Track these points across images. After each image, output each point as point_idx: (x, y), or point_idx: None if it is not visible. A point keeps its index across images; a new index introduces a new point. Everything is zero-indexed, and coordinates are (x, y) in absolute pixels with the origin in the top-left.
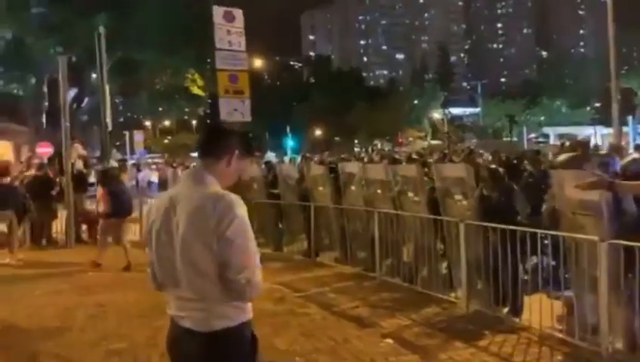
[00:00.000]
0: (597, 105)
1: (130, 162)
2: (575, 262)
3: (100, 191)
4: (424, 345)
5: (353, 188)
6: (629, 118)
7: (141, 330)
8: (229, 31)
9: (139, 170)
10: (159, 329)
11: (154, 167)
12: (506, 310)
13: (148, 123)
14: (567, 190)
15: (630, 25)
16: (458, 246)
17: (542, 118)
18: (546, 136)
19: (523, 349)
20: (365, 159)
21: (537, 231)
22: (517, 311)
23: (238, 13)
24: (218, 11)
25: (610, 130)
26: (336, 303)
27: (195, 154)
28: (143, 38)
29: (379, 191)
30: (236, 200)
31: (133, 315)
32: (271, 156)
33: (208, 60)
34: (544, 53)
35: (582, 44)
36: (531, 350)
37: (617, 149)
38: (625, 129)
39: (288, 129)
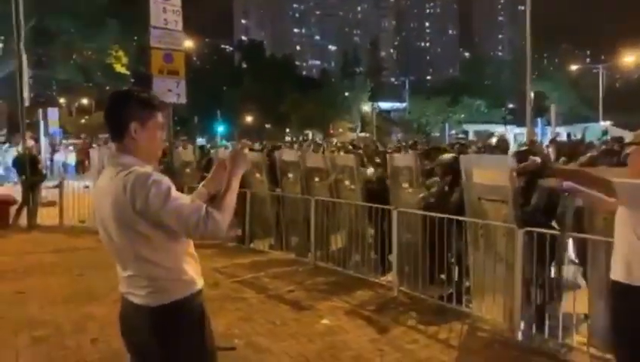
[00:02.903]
0: (511, 106)
1: (43, 142)
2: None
3: None
4: (359, 325)
5: (290, 175)
6: (538, 120)
7: (67, 316)
8: (165, 9)
9: (54, 151)
10: (87, 316)
11: (71, 148)
12: (434, 292)
13: (62, 100)
14: (474, 176)
15: (541, 35)
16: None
17: (462, 116)
18: (466, 132)
19: (447, 328)
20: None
21: (464, 218)
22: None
23: None
24: None
25: (521, 130)
26: (272, 287)
27: None
28: (63, 5)
29: (317, 179)
30: (141, 172)
31: (56, 301)
32: (201, 141)
33: (135, 38)
34: (467, 54)
35: (500, 48)
36: (455, 328)
37: (533, 144)
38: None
39: (219, 114)
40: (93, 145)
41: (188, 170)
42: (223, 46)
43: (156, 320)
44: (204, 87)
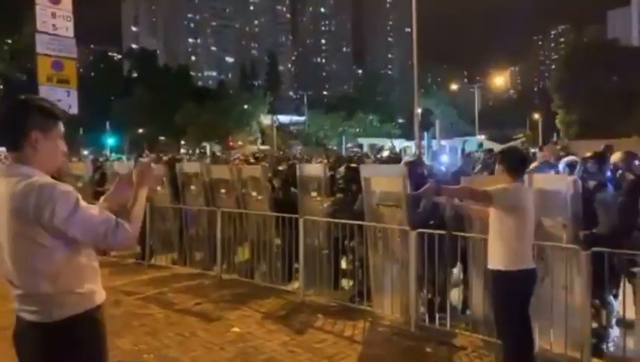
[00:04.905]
0: (400, 120)
1: None
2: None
3: None
4: (269, 330)
5: (193, 188)
6: (425, 134)
7: None
8: (55, 14)
9: None
10: None
11: None
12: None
13: None
14: (373, 184)
15: (426, 54)
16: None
17: (357, 130)
18: (360, 145)
19: (352, 326)
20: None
21: (364, 223)
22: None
23: None
24: None
25: (409, 143)
26: (177, 302)
27: None
28: None
29: (222, 190)
30: (45, 182)
31: None
32: (86, 154)
33: (8, 41)
34: (360, 72)
35: (390, 66)
36: (359, 325)
37: (421, 156)
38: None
39: (107, 125)
40: None
41: (80, 185)
42: (110, 53)
43: (50, 337)
44: (91, 96)
